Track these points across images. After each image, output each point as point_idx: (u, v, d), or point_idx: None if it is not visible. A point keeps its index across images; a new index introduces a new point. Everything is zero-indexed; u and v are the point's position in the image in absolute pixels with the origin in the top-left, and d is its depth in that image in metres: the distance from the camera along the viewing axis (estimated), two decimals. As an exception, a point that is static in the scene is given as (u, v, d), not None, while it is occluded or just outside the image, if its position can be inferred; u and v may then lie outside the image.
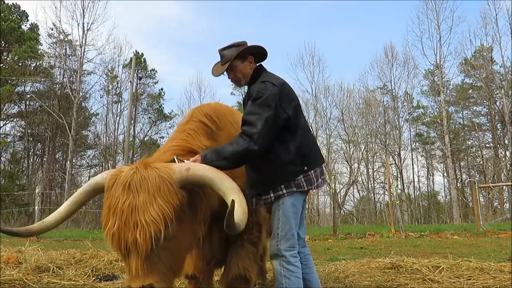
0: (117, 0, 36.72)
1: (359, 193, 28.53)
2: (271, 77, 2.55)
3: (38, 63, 27.13)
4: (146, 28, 47.01)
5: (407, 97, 28.77)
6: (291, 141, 2.40)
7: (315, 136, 24.84)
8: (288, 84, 2.59)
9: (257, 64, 2.70)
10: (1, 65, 25.60)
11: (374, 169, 28.39)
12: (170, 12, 49.61)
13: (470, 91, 29.68)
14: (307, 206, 24.16)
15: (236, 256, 2.62)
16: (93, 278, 4.33)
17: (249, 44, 2.64)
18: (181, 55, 49.74)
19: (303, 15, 44.14)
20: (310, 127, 2.74)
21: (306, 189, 2.41)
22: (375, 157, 28.36)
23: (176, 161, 2.22)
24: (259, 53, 2.67)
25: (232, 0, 47.36)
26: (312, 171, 2.45)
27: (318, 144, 2.77)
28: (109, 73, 28.51)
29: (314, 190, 2.53)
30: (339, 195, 22.43)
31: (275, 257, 2.39)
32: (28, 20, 28.36)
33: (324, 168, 2.62)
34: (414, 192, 29.47)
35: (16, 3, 27.99)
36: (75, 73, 25.70)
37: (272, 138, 2.36)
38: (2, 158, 26.93)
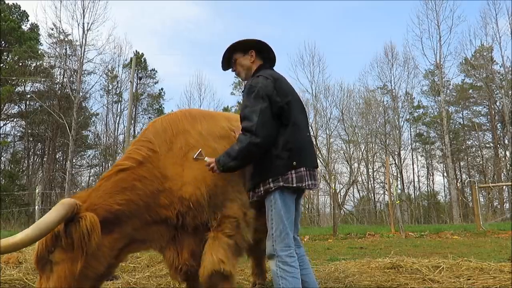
0: (118, 0, 36.51)
1: (359, 193, 28.60)
2: (266, 72, 2.56)
3: (38, 63, 27.16)
4: (147, 28, 47.04)
5: (407, 97, 28.83)
6: (281, 135, 2.39)
7: (315, 136, 24.85)
8: (285, 81, 2.58)
9: (265, 64, 2.71)
10: (1, 65, 25.59)
11: (374, 169, 28.44)
12: (169, 11, 49.63)
13: (470, 91, 29.72)
14: (307, 206, 24.25)
15: (210, 249, 2.49)
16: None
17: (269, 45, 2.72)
18: (181, 54, 49.76)
19: (303, 15, 44.18)
20: (309, 128, 2.67)
21: (295, 185, 2.34)
22: (375, 157, 28.41)
23: (203, 153, 2.42)
24: (261, 49, 2.70)
25: (235, 1, 47.39)
26: (304, 168, 2.39)
27: (317, 146, 2.77)
28: (109, 73, 28.56)
29: (307, 189, 2.47)
30: (339, 195, 22.42)
31: (271, 258, 2.38)
32: (28, 20, 28.46)
33: (316, 173, 2.54)
34: (414, 192, 29.55)
35: (16, 3, 28.07)
36: (75, 73, 25.72)
37: (273, 129, 2.37)
38: (2, 158, 26.98)
